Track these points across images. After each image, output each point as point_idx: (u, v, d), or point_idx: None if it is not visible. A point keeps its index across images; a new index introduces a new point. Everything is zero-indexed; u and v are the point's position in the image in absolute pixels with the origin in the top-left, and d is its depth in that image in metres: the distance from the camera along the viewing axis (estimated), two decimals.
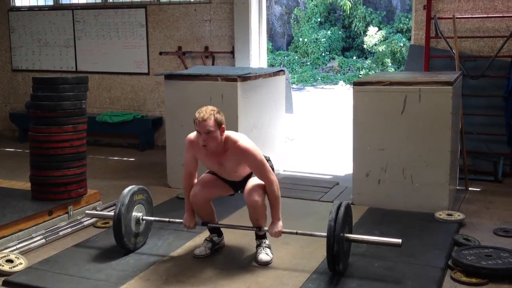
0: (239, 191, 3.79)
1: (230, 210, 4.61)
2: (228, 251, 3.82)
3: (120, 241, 3.70)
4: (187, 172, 3.68)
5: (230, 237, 3.96)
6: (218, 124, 3.38)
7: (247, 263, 3.62)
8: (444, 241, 3.94)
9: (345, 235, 3.37)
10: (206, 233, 3.93)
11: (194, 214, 3.73)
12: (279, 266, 3.56)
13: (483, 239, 4.03)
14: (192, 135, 3.58)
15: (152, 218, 3.92)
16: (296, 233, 3.59)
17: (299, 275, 3.41)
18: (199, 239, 3.94)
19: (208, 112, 3.38)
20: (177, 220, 3.83)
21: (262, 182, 3.55)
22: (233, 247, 3.89)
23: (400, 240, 3.38)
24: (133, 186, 3.87)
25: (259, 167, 3.50)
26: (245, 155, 3.47)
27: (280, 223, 3.57)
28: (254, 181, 3.59)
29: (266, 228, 3.61)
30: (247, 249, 3.83)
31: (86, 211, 4.29)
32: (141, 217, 3.83)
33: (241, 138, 3.51)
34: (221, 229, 3.89)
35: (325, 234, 3.28)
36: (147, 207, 3.93)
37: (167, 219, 3.90)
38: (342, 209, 3.34)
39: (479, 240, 3.98)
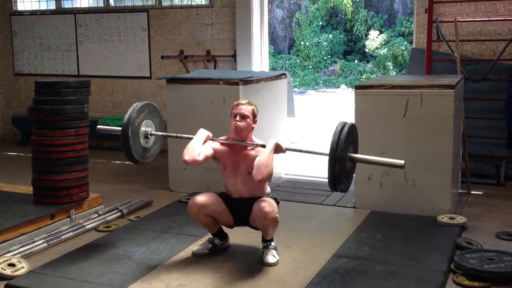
0: (238, 226, 3.79)
1: None
2: (230, 255, 3.82)
3: (128, 153, 3.71)
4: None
5: (233, 241, 3.96)
6: (253, 114, 3.65)
7: (249, 266, 3.61)
8: (446, 245, 3.94)
9: (348, 154, 3.35)
10: (207, 237, 3.93)
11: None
12: (281, 270, 3.56)
13: (485, 242, 4.02)
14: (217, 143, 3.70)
15: (160, 133, 3.93)
16: (300, 151, 3.69)
17: (301, 279, 3.41)
18: (201, 243, 3.94)
19: (248, 102, 3.70)
20: (184, 136, 3.79)
21: (272, 203, 3.55)
22: (235, 250, 3.89)
23: (403, 162, 3.36)
24: (144, 102, 3.86)
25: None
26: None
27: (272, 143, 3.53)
28: (263, 200, 3.56)
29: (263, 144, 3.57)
30: (250, 252, 3.82)
31: (98, 126, 4.19)
32: (149, 132, 3.84)
33: None
34: (226, 232, 3.90)
35: (327, 152, 3.28)
36: (156, 123, 3.93)
37: (174, 134, 3.95)
38: (345, 129, 3.32)
39: (481, 243, 3.97)
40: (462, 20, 5.90)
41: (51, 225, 4.37)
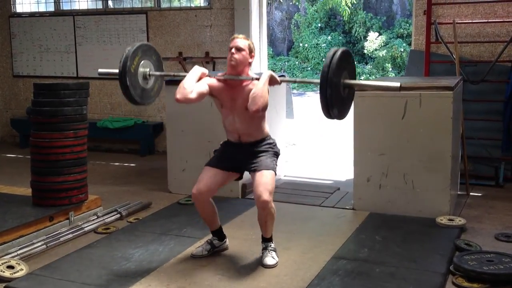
0: (243, 173, 3.75)
1: (231, 216, 4.60)
2: (229, 257, 3.81)
3: (131, 99, 3.68)
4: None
5: (232, 243, 3.96)
6: (250, 49, 3.59)
7: (249, 268, 3.61)
8: (445, 246, 3.94)
9: (342, 80, 3.27)
10: (206, 239, 3.93)
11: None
12: (280, 271, 3.55)
13: (484, 244, 4.02)
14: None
15: (158, 73, 3.85)
16: (295, 81, 3.65)
17: (301, 281, 3.41)
18: (200, 245, 3.93)
19: (244, 37, 3.63)
20: (182, 74, 3.72)
21: (271, 181, 3.50)
22: (234, 252, 3.88)
23: (398, 84, 3.27)
24: (136, 45, 3.72)
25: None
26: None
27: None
28: (262, 177, 3.52)
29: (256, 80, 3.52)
30: (249, 254, 3.82)
31: (99, 70, 4.13)
32: (148, 72, 3.76)
33: None
34: (225, 233, 3.90)
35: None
36: (153, 60, 3.86)
37: (172, 73, 3.87)
38: (338, 53, 3.21)
39: (480, 245, 3.97)
40: (460, 21, 5.90)
41: (50, 227, 4.36)
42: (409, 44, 7.36)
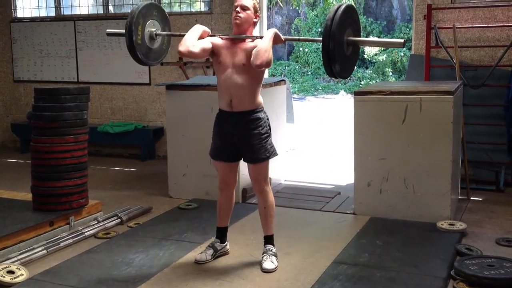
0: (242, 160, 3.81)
1: (231, 220, 4.56)
2: (230, 261, 3.81)
3: (145, 64, 3.74)
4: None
5: (232, 247, 3.96)
6: (255, 9, 3.60)
7: (249, 273, 3.61)
8: (446, 251, 3.93)
9: (346, 37, 3.24)
10: (207, 244, 3.93)
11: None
12: (280, 276, 3.55)
13: (485, 249, 4.02)
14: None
15: (164, 33, 3.86)
16: (298, 39, 3.64)
17: (301, 286, 3.40)
18: (200, 250, 3.93)
19: None
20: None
21: (264, 170, 3.66)
22: (235, 257, 3.88)
23: (402, 40, 3.25)
24: (135, 14, 3.68)
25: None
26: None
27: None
28: (257, 169, 3.65)
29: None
30: (249, 259, 3.82)
31: (107, 30, 4.18)
32: (154, 32, 3.78)
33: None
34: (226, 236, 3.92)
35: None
36: (155, 15, 3.85)
37: (178, 33, 3.83)
38: (342, 8, 3.17)
39: (481, 250, 3.96)
40: (460, 26, 5.91)
41: (50, 232, 4.36)
42: (409, 49, 7.36)
